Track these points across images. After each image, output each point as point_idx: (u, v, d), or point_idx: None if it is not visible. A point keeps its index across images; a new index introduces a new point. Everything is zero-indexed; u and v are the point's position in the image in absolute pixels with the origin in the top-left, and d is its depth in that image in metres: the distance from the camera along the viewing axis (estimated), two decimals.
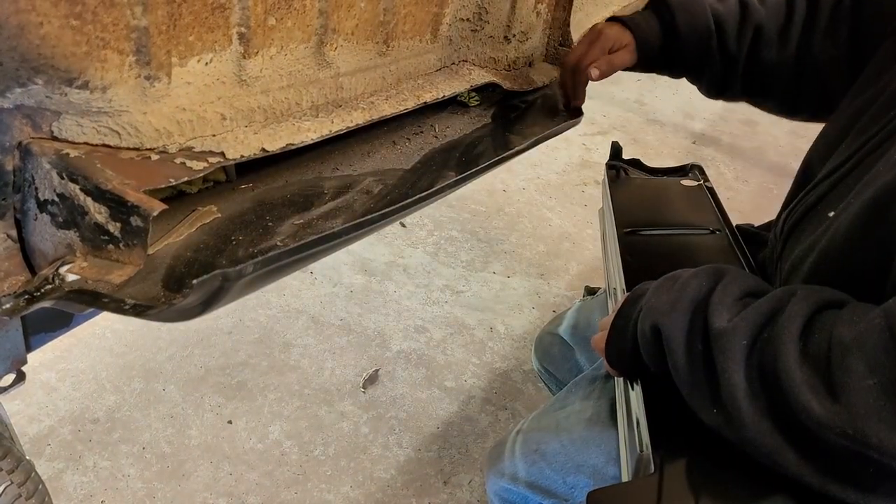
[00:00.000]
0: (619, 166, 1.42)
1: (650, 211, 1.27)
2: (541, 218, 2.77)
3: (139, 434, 1.73)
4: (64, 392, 1.81)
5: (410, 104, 0.95)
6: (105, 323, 2.01)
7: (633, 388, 0.86)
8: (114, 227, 0.58)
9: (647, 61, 1.22)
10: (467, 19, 1.09)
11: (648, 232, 1.19)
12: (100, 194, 0.58)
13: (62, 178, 0.58)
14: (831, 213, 0.88)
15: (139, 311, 0.58)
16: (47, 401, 1.78)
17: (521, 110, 1.18)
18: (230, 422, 1.79)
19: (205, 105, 0.70)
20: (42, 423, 1.73)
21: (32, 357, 0.79)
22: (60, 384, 1.83)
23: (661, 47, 1.21)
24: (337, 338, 2.08)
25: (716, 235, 1.17)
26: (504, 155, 1.01)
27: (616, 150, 1.43)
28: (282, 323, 2.11)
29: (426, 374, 2.00)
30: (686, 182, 1.36)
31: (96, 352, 1.93)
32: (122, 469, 1.64)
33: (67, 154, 0.59)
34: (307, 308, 2.17)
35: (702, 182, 1.34)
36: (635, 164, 1.43)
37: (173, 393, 1.85)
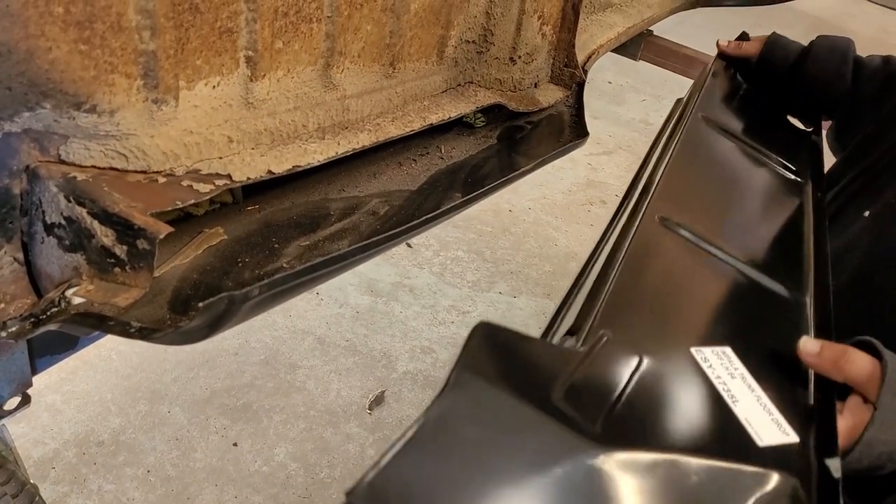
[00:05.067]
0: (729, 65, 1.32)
1: (715, 198, 1.01)
2: (547, 238, 2.77)
3: (144, 457, 1.72)
4: (69, 414, 1.81)
5: (416, 126, 0.95)
6: (111, 345, 2.00)
7: None
8: (120, 250, 0.58)
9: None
10: (473, 41, 1.10)
11: (688, 234, 0.88)
12: (107, 217, 0.58)
13: (69, 201, 0.58)
14: (867, 213, 0.89)
15: (145, 334, 0.58)
16: (52, 423, 1.78)
17: (527, 131, 1.18)
18: (235, 444, 1.78)
19: (212, 128, 0.70)
20: (47, 446, 1.72)
21: (37, 379, 0.79)
22: (65, 406, 1.82)
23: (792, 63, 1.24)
24: (343, 359, 2.07)
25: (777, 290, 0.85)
26: (510, 176, 1.01)
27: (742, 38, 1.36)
28: (287, 344, 2.10)
29: (433, 395, 1.99)
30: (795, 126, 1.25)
31: (102, 374, 1.93)
32: (127, 492, 1.63)
33: (75, 177, 0.59)
34: (313, 329, 2.17)
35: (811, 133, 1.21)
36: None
37: (178, 415, 1.84)
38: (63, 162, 0.60)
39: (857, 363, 0.67)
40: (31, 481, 0.81)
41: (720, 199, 0.99)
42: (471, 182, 0.98)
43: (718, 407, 0.61)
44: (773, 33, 1.28)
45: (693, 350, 0.66)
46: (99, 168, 0.62)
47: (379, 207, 0.87)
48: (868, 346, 0.68)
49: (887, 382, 0.64)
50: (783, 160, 1.12)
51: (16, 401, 0.79)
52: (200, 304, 0.56)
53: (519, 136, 1.16)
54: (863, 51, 1.24)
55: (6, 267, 0.61)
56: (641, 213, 0.85)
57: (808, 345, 0.70)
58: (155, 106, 0.64)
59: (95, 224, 0.58)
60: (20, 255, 0.61)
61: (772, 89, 1.29)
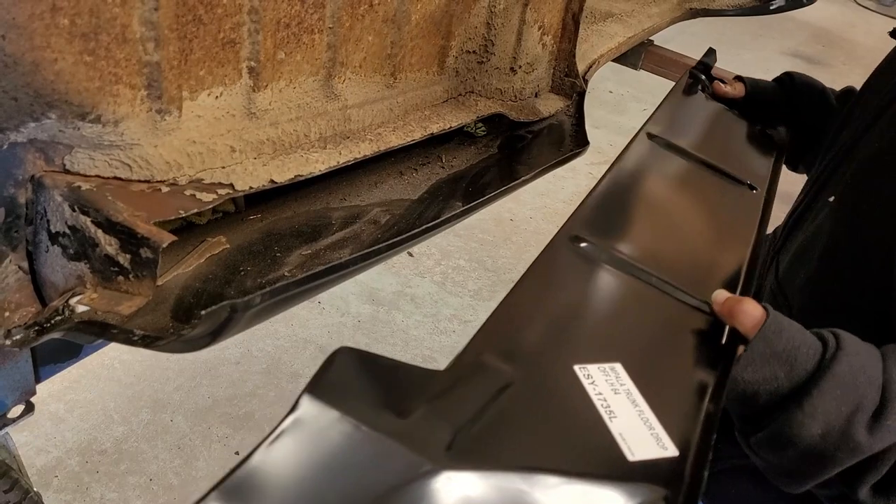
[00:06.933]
0: (700, 79, 1.38)
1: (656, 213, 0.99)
2: None
3: (146, 465, 1.72)
4: (72, 423, 1.81)
5: (417, 135, 0.96)
6: (114, 353, 2.01)
7: None
8: (124, 259, 0.59)
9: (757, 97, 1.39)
10: (473, 51, 1.10)
11: (599, 252, 0.83)
12: (110, 226, 0.58)
13: (74, 210, 0.59)
14: (831, 198, 0.95)
15: (148, 341, 0.58)
16: (55, 432, 1.78)
17: (528, 140, 1.18)
18: (237, 453, 1.78)
19: (214, 137, 0.71)
20: (50, 455, 1.72)
21: (41, 388, 0.79)
22: (68, 415, 1.83)
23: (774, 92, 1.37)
24: None
25: (694, 311, 0.80)
26: (511, 185, 1.02)
27: (708, 61, 1.44)
28: (290, 353, 2.10)
29: None
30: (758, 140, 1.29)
31: (105, 382, 1.93)
32: (129, 501, 1.64)
33: (79, 187, 0.60)
34: (315, 338, 2.17)
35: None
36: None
37: (181, 424, 1.84)
38: (68, 171, 0.61)
39: (747, 311, 0.74)
40: (35, 489, 0.81)
41: (645, 216, 0.98)
42: (472, 191, 0.99)
43: (591, 423, 0.60)
44: (738, 76, 1.44)
45: (576, 367, 0.65)
46: (103, 177, 0.63)
47: (380, 216, 0.88)
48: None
49: (762, 330, 0.72)
50: (733, 171, 1.12)
51: (19, 409, 0.79)
52: (203, 312, 0.56)
53: (520, 146, 1.17)
54: (865, 59, 1.29)
55: (11, 275, 0.61)
56: (555, 233, 0.84)
57: (718, 295, 0.78)
58: (158, 116, 0.65)
59: (99, 233, 0.59)
60: (25, 264, 0.62)
61: (762, 116, 1.40)
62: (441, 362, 2.13)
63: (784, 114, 1.37)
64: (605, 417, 0.61)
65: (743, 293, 0.84)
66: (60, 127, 0.58)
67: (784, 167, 1.34)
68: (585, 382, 0.64)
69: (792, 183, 1.29)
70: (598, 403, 0.62)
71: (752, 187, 1.11)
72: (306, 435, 0.49)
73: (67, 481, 1.66)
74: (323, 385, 0.51)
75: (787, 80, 1.38)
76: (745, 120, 1.39)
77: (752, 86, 1.41)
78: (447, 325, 2.30)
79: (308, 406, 0.50)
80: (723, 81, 1.43)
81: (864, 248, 0.89)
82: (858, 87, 1.26)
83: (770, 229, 1.16)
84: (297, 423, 0.49)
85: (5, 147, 0.56)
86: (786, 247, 1.04)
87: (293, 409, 0.49)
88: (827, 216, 0.96)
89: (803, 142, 1.37)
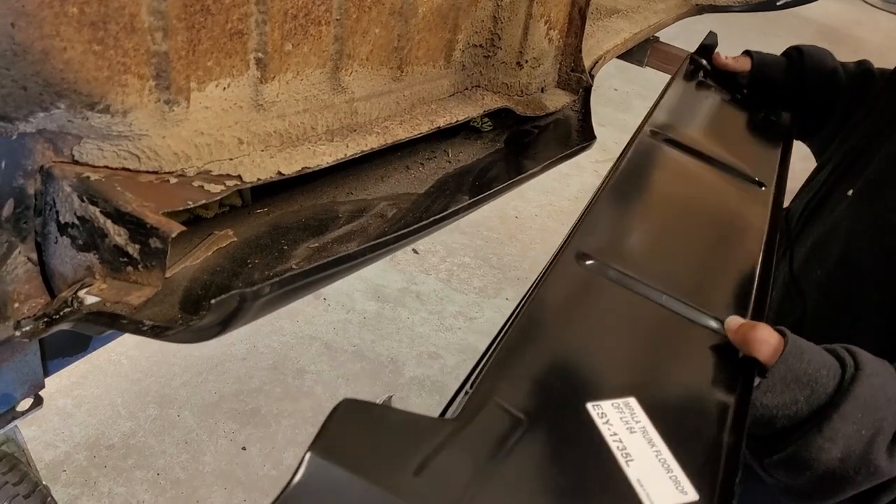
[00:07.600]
0: (701, 64, 1.35)
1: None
2: (553, 244, 2.77)
3: (154, 460, 1.73)
4: (80, 418, 1.81)
5: (424, 129, 0.96)
6: (121, 349, 2.01)
7: None
8: (133, 249, 0.59)
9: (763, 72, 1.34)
10: (480, 45, 1.10)
11: (607, 270, 0.81)
12: (119, 216, 0.58)
13: (83, 200, 0.59)
14: (850, 192, 0.93)
15: (157, 332, 0.58)
16: (63, 427, 1.79)
17: (534, 135, 1.18)
18: (244, 448, 1.79)
19: (222, 129, 0.71)
20: (58, 449, 1.73)
21: (48, 383, 0.79)
22: (76, 410, 1.83)
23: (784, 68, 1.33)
24: (350, 364, 2.08)
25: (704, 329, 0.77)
26: (516, 179, 1.01)
27: (710, 43, 1.40)
28: (295, 349, 2.11)
29: (440, 400, 1.99)
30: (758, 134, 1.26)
31: (112, 378, 1.94)
32: (137, 495, 1.64)
33: (88, 177, 0.60)
34: (320, 334, 2.17)
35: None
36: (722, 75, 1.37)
37: (188, 419, 1.85)
38: (76, 162, 0.61)
39: (763, 339, 0.72)
40: (43, 483, 0.81)
41: (651, 224, 0.94)
42: (478, 185, 0.98)
43: (609, 469, 0.58)
44: (747, 50, 1.39)
45: (590, 406, 0.62)
46: (111, 168, 0.63)
47: (387, 210, 0.88)
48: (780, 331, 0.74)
49: (784, 356, 0.71)
50: (740, 167, 1.09)
51: (28, 402, 0.79)
52: (213, 301, 0.56)
53: (526, 141, 1.16)
54: (872, 56, 1.29)
55: (20, 267, 0.61)
56: (559, 251, 0.81)
57: (731, 322, 0.75)
58: (167, 107, 0.65)
59: (108, 223, 0.59)
60: (34, 255, 0.62)
61: (769, 94, 1.36)
62: (446, 359, 2.13)
63: (792, 90, 1.33)
64: (622, 462, 0.58)
65: (756, 310, 0.82)
66: (69, 117, 0.58)
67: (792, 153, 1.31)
68: (600, 422, 0.61)
69: (797, 180, 1.28)
70: (613, 446, 0.60)
71: (760, 184, 1.09)
72: (313, 497, 0.46)
73: (76, 476, 1.67)
74: (328, 442, 0.49)
75: (796, 54, 1.34)
76: (750, 105, 1.36)
77: (759, 61, 1.36)
78: (452, 321, 2.30)
79: (314, 465, 0.47)
80: None
81: (885, 247, 0.87)
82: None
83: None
84: (303, 484, 0.46)
85: (14, 137, 0.56)
86: (801, 239, 1.02)
87: (298, 469, 0.47)
88: (845, 211, 0.94)
89: (812, 118, 1.34)
